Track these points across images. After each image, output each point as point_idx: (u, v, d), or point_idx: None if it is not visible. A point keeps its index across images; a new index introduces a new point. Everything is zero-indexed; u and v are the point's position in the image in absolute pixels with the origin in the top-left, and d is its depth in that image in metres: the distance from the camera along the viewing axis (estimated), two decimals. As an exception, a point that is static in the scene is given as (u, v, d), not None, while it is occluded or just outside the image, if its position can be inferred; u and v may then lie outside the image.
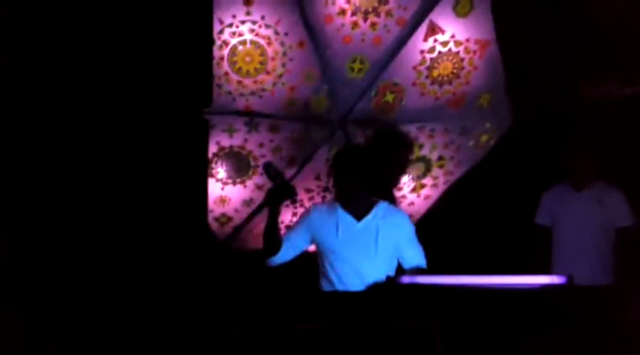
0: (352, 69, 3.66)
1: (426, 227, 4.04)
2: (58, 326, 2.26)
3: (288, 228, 3.54)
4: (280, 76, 3.56)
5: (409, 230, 3.18)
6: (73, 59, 2.21)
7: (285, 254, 3.09)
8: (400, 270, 3.17)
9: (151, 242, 2.37)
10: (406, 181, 4.03)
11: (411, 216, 4.10)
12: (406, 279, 2.66)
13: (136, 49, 2.28)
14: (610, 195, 3.63)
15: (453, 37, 3.69)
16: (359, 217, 3.10)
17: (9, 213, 2.21)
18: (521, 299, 2.58)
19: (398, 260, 3.16)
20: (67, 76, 2.22)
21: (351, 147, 3.53)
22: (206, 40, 2.67)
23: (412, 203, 4.14)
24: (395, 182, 3.72)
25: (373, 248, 3.07)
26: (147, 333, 2.30)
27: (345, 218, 3.09)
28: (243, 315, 2.32)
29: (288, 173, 3.78)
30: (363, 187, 3.08)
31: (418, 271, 3.10)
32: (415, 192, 4.09)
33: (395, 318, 2.43)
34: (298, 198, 3.96)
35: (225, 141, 3.65)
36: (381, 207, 3.14)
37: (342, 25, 3.55)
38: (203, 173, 2.69)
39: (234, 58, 3.45)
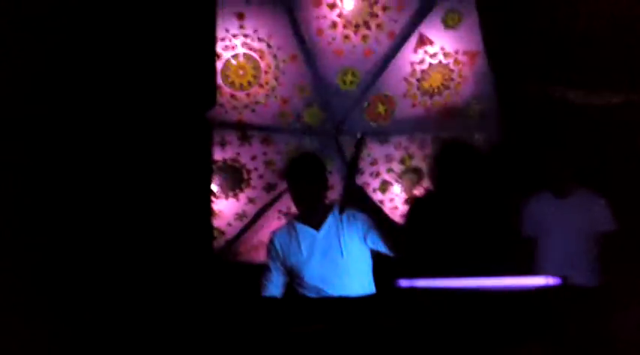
0: (344, 81, 3.71)
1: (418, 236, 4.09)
2: (59, 324, 2.25)
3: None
4: (273, 89, 3.61)
5: (369, 222, 3.01)
6: (80, 62, 2.24)
7: (275, 292, 2.98)
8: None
9: (152, 245, 2.38)
10: (398, 192, 4.06)
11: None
12: (404, 283, 2.67)
13: (142, 50, 2.32)
14: (592, 202, 3.64)
15: (442, 48, 3.76)
16: (318, 226, 3.00)
17: (12, 214, 2.22)
18: (517, 301, 2.60)
19: (376, 250, 3.00)
20: (72, 78, 2.25)
21: (305, 154, 3.36)
22: (210, 40, 2.70)
23: (404, 214, 4.16)
24: None
25: (339, 251, 2.97)
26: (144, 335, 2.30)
27: (304, 231, 3.00)
28: (251, 318, 2.32)
29: (281, 186, 3.80)
30: (319, 194, 2.99)
31: None
32: (408, 204, 4.12)
33: (392, 321, 2.44)
34: (291, 210, 3.98)
35: (218, 155, 3.67)
36: (337, 208, 3.03)
37: (334, 38, 3.61)
38: (208, 174, 2.69)
39: (228, 72, 3.49)
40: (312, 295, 2.97)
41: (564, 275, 2.96)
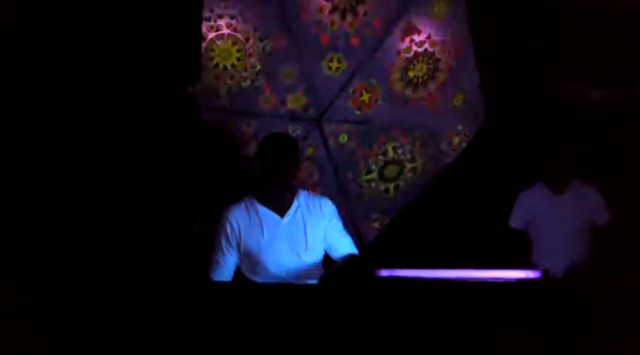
0: (330, 67, 3.67)
1: (401, 226, 4.09)
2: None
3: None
4: (258, 72, 3.55)
5: (335, 216, 3.02)
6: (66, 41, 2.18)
7: (224, 277, 2.87)
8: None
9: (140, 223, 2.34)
10: (380, 183, 4.04)
11: (383, 218, 4.14)
12: (384, 272, 2.66)
13: (125, 25, 2.26)
14: (587, 195, 3.63)
15: (428, 37, 3.73)
16: (282, 212, 2.92)
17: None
18: (497, 293, 2.60)
19: (325, 250, 3.01)
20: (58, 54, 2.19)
21: (278, 135, 3.22)
22: (196, 15, 2.64)
23: (386, 205, 4.14)
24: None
25: (303, 242, 2.91)
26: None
27: (267, 215, 2.90)
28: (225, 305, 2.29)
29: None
30: (290, 176, 2.91)
31: (351, 259, 2.96)
32: (388, 194, 4.10)
33: (370, 308, 2.41)
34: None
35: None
36: (302, 195, 2.99)
37: (320, 22, 3.56)
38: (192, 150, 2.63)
39: (211, 53, 3.43)
40: (266, 281, 2.87)
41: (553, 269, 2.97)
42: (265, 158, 2.90)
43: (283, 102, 3.67)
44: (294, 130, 3.75)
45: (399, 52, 3.73)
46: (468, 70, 3.84)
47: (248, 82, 3.55)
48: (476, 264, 2.75)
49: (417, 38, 3.72)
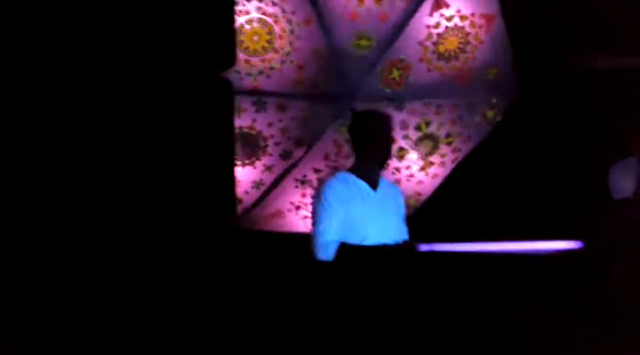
0: (359, 46, 3.66)
1: (436, 203, 4.08)
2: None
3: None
4: (288, 54, 3.56)
5: (403, 205, 3.14)
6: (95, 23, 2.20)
7: (334, 250, 2.84)
8: None
9: (170, 214, 2.37)
10: (414, 159, 4.03)
11: (419, 195, 4.14)
12: (424, 247, 2.67)
13: (159, 8, 2.28)
14: None
15: (458, 11, 3.69)
16: (374, 186, 2.98)
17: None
18: (536, 264, 2.60)
19: None
20: (88, 37, 2.22)
21: (375, 112, 3.21)
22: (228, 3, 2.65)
23: (421, 182, 4.13)
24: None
25: (389, 216, 2.99)
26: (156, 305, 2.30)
27: (364, 187, 2.95)
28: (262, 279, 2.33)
29: (297, 153, 3.78)
30: (380, 154, 2.98)
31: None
32: (424, 171, 4.09)
33: (410, 282, 2.43)
34: (307, 178, 3.97)
35: (234, 122, 3.65)
36: (383, 179, 3.09)
37: (348, 1, 3.55)
38: (229, 136, 2.66)
39: (242, 37, 3.45)
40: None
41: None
42: (365, 134, 2.96)
43: (314, 84, 3.68)
44: (327, 110, 3.77)
45: (428, 27, 3.70)
46: (499, 43, 3.79)
47: (279, 64, 3.57)
48: (513, 237, 2.75)
49: (446, 12, 3.68)
